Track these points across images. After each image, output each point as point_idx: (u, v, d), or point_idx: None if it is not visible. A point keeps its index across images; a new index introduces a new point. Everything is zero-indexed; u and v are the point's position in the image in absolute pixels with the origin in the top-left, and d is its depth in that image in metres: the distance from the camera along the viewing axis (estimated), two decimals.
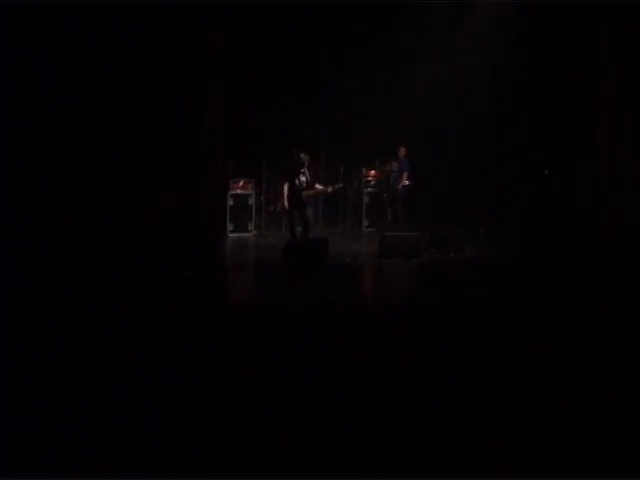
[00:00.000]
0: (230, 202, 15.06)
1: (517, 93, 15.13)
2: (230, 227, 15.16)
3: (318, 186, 13.94)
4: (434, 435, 5.03)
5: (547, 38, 14.36)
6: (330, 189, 14.27)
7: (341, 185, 14.97)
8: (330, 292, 10.34)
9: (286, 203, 13.02)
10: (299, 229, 13.46)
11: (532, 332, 7.76)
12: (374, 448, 4.81)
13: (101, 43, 10.38)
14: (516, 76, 15.08)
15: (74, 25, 10.15)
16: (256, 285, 11.56)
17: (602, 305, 9.16)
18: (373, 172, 16.64)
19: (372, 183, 16.64)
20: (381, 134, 15.85)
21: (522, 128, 15.04)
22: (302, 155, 13.42)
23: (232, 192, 15.14)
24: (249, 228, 15.48)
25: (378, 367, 6.49)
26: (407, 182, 15.81)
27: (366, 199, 16.54)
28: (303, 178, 13.20)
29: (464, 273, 12.05)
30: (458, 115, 15.78)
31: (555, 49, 14.15)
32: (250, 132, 15.53)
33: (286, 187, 13.01)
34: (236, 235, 15.17)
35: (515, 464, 4.61)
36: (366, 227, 16.50)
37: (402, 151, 15.77)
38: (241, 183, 15.36)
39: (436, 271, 12.25)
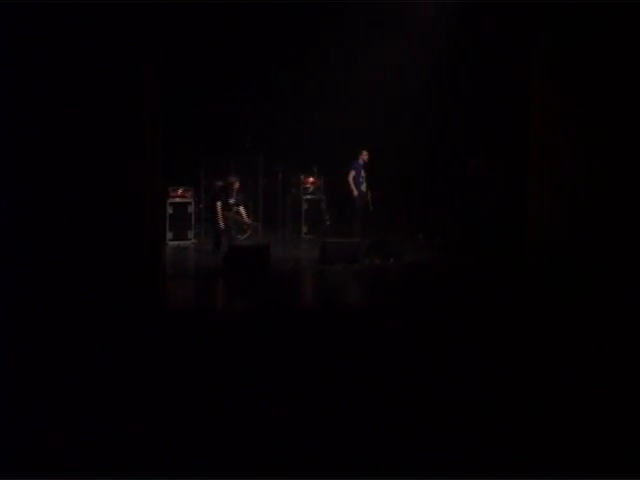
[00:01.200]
0: (169, 210, 15.03)
1: (454, 97, 15.35)
2: (169, 235, 15.10)
3: (242, 211, 14.53)
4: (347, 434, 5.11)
5: (484, 40, 14.60)
6: (250, 222, 14.98)
7: (258, 224, 15.79)
8: (273, 297, 10.39)
9: (221, 223, 13.52)
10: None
11: (467, 334, 7.94)
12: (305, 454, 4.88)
13: (31, 46, 10.23)
14: (453, 81, 15.29)
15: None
16: (198, 292, 11.53)
17: (535, 305, 9.42)
18: (311, 179, 16.73)
19: (310, 190, 16.74)
20: (320, 141, 15.92)
21: (459, 133, 15.28)
22: (232, 178, 14.17)
23: (171, 200, 15.10)
24: (189, 236, 15.43)
25: (318, 370, 6.56)
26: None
27: (305, 206, 16.63)
28: (231, 200, 14.00)
29: (403, 278, 12.23)
30: (394, 121, 15.97)
31: (492, 52, 14.40)
32: (189, 140, 15.45)
33: (219, 206, 13.48)
34: (175, 243, 15.11)
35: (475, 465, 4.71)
36: (305, 233, 16.59)
37: (364, 155, 15.38)
38: (180, 191, 15.30)
39: (376, 276, 12.40)
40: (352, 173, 14.85)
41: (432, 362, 6.86)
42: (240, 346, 7.38)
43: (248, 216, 14.81)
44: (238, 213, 14.44)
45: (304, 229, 16.63)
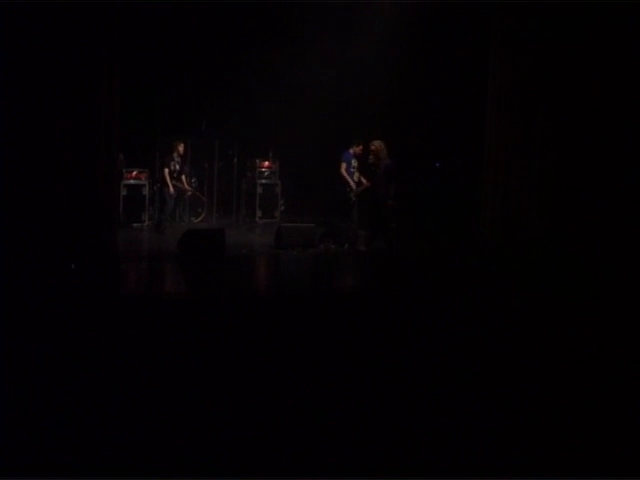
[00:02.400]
0: (123, 192, 14.93)
1: (412, 90, 15.51)
2: (123, 217, 15.00)
3: (184, 179, 14.73)
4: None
5: (441, 35, 14.78)
6: (189, 192, 15.10)
7: (203, 199, 15.88)
8: (227, 282, 10.41)
9: (171, 188, 13.59)
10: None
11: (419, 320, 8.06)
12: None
13: None
14: (411, 72, 15.45)
15: None
16: (153, 276, 11.49)
17: (487, 294, 9.59)
18: (267, 163, 16.75)
19: (266, 174, 16.76)
20: (275, 125, 15.94)
21: (417, 123, 15.44)
22: (175, 141, 14.28)
23: (125, 182, 15.00)
24: (143, 218, 15.35)
25: (269, 356, 6.60)
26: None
27: (260, 190, 16.65)
28: (176, 166, 13.85)
29: (356, 263, 12.36)
30: (355, 108, 16.07)
31: (449, 49, 14.58)
32: (144, 122, 15.34)
33: (166, 172, 13.60)
34: (130, 225, 15.02)
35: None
36: (260, 218, 16.62)
37: (358, 148, 14.54)
38: (134, 173, 15.21)
39: (330, 261, 12.50)
40: (343, 165, 14.31)
41: (384, 350, 6.96)
42: (192, 331, 7.39)
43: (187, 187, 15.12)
44: (181, 180, 14.55)
45: (259, 213, 16.65)
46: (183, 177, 14.85)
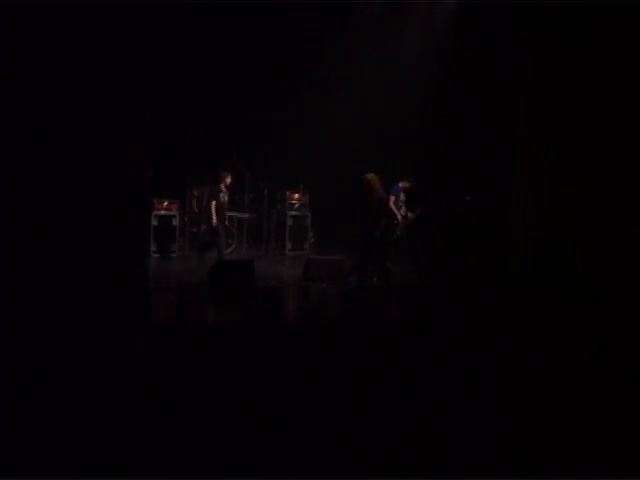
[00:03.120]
0: (154, 222, 15.04)
1: (439, 121, 15.57)
2: (153, 247, 15.10)
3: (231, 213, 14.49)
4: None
5: (467, 65, 14.84)
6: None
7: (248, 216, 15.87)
8: (256, 314, 10.41)
9: (214, 219, 13.54)
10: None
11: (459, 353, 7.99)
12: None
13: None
14: (439, 97, 15.52)
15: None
16: (182, 306, 11.52)
17: (519, 326, 9.50)
18: (297, 195, 16.80)
19: (296, 206, 16.80)
20: (306, 157, 16.00)
21: (446, 158, 15.47)
22: (224, 173, 13.99)
23: (156, 213, 15.11)
24: (172, 249, 15.44)
25: (304, 386, 6.59)
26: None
27: (290, 222, 16.68)
28: (225, 198, 13.77)
29: (386, 297, 12.29)
30: (386, 140, 16.13)
31: (474, 76, 14.62)
32: (175, 154, 15.49)
33: (213, 204, 13.53)
34: (159, 256, 15.11)
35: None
36: (289, 250, 16.63)
37: (405, 183, 14.93)
38: (165, 204, 15.32)
39: (359, 295, 12.44)
40: (392, 198, 14.45)
41: (419, 382, 6.90)
42: (223, 361, 7.39)
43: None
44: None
45: (288, 245, 16.67)
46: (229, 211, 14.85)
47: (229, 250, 15.71)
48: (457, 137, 15.53)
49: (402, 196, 14.66)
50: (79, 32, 10.63)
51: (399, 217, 14.44)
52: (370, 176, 12.39)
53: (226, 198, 14.22)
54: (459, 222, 15.18)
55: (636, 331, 8.68)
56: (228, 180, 14.21)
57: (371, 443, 5.13)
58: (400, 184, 14.63)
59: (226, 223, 14.46)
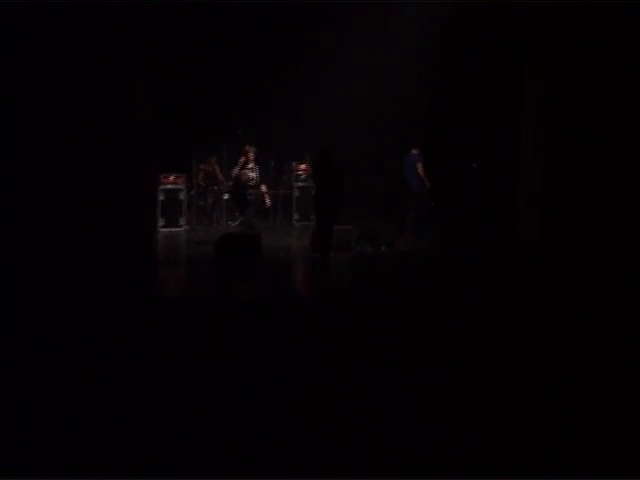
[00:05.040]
0: (161, 197, 15.03)
1: (448, 91, 15.47)
2: (161, 222, 15.11)
3: (264, 189, 13.91)
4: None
5: (475, 38, 14.71)
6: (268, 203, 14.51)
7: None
8: (264, 286, 10.42)
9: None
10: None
11: (459, 322, 7.99)
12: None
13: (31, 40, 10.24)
14: (446, 75, 15.41)
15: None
16: (190, 279, 11.54)
17: (524, 297, 9.48)
18: (303, 166, 16.73)
19: (302, 177, 16.74)
20: (312, 128, 15.91)
21: (451, 126, 15.37)
22: (247, 147, 13.29)
23: (163, 187, 15.09)
24: (180, 223, 15.44)
25: (312, 359, 6.60)
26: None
27: (296, 193, 16.63)
28: (252, 174, 13.25)
29: (395, 266, 12.28)
30: (388, 111, 16.03)
31: (484, 50, 14.50)
32: (181, 128, 15.42)
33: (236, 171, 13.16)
34: (167, 230, 15.11)
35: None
36: (297, 221, 16.60)
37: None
38: (172, 178, 15.28)
39: (369, 264, 12.43)
40: (420, 166, 14.44)
41: (428, 352, 6.91)
42: (231, 334, 7.41)
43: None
44: (260, 189, 13.98)
45: (296, 216, 16.63)
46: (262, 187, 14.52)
47: (236, 223, 15.68)
48: (463, 104, 15.39)
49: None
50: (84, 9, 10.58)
51: (427, 184, 14.39)
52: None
53: (252, 175, 13.84)
54: (467, 190, 15.09)
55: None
56: (251, 155, 13.77)
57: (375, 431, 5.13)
58: (414, 151, 14.52)
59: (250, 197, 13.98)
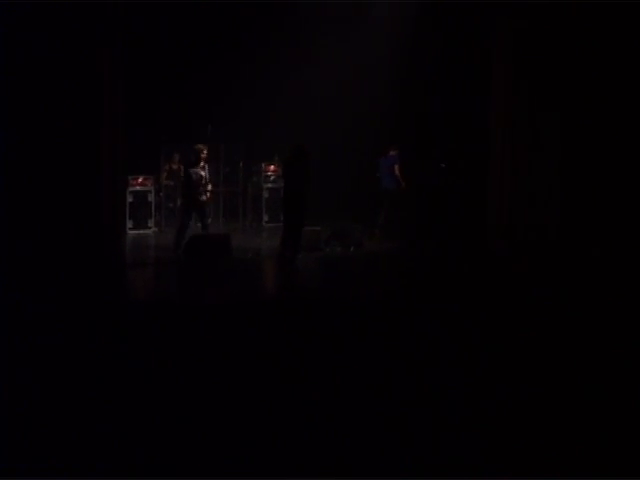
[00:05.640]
0: (129, 199, 14.95)
1: (416, 89, 15.57)
2: (129, 224, 15.03)
3: (209, 188, 13.25)
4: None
5: (442, 36, 14.82)
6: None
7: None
8: (233, 287, 10.39)
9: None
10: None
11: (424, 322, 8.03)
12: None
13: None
14: (415, 75, 15.52)
15: None
16: (159, 281, 11.49)
17: (490, 294, 9.56)
18: (273, 167, 16.72)
19: (272, 178, 16.72)
20: (281, 128, 15.91)
21: (421, 125, 15.47)
22: (199, 146, 12.77)
23: (131, 189, 15.01)
24: (149, 225, 15.36)
25: (281, 360, 6.59)
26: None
27: (266, 194, 16.61)
28: (202, 173, 12.82)
29: (364, 266, 12.32)
30: (357, 112, 16.09)
31: (450, 46, 14.60)
32: (149, 128, 15.34)
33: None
34: (135, 232, 15.04)
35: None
36: (266, 222, 16.58)
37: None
38: (140, 179, 15.22)
39: (337, 264, 12.45)
40: (397, 167, 14.61)
41: (394, 352, 6.93)
42: (199, 336, 7.38)
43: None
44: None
45: (265, 217, 16.62)
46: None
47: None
48: (432, 104, 15.49)
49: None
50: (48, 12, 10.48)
51: (403, 185, 14.53)
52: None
53: (202, 173, 13.35)
54: (437, 190, 15.18)
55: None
56: (204, 154, 13.31)
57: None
58: (392, 152, 14.66)
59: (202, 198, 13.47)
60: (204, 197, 12.86)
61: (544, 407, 5.49)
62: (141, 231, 15.15)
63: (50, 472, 4.33)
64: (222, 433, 4.97)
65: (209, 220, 15.43)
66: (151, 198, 15.32)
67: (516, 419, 5.27)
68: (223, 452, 4.70)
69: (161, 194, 15.66)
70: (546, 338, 7.29)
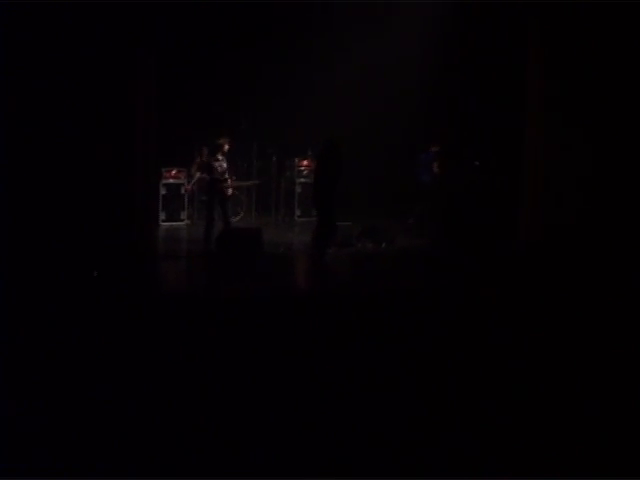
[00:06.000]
0: (163, 191, 15.06)
1: (448, 89, 15.49)
2: (162, 216, 15.14)
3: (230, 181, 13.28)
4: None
5: (476, 36, 14.73)
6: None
7: (256, 182, 14.72)
8: (263, 281, 10.42)
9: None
10: None
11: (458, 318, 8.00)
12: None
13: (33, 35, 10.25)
14: (447, 72, 15.44)
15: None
16: (191, 274, 11.56)
17: (522, 291, 9.50)
18: (305, 162, 16.72)
19: (305, 173, 16.73)
20: (314, 123, 15.90)
21: (453, 123, 15.38)
22: (221, 140, 12.82)
23: (165, 181, 15.12)
24: (182, 217, 15.47)
25: (314, 356, 6.60)
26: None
27: (299, 189, 16.62)
28: (225, 165, 12.84)
29: (396, 262, 12.29)
30: (389, 109, 16.04)
31: (485, 47, 14.51)
32: (183, 122, 15.41)
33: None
34: (168, 224, 15.15)
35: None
36: (299, 217, 16.59)
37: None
38: (174, 172, 15.32)
39: (368, 261, 12.44)
40: (436, 165, 14.79)
41: (427, 349, 6.91)
42: (232, 330, 7.42)
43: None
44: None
45: (297, 212, 16.63)
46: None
47: (237, 218, 15.68)
48: (464, 103, 15.40)
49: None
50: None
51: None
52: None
53: (224, 165, 13.10)
54: (470, 188, 15.09)
55: None
56: (226, 147, 13.03)
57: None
58: (433, 149, 14.70)
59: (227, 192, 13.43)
60: (229, 190, 12.94)
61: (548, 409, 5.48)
62: (174, 223, 15.25)
63: (50, 472, 4.36)
64: (247, 427, 5.00)
65: (239, 216, 15.55)
66: (184, 190, 15.41)
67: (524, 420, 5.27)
68: (249, 447, 4.72)
69: (194, 186, 15.72)
70: (572, 341, 7.24)
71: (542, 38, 12.52)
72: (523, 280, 10.53)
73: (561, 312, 8.40)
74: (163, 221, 15.14)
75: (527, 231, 12.79)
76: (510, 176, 13.52)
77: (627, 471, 4.48)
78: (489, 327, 7.73)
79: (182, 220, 15.45)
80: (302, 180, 16.63)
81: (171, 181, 15.28)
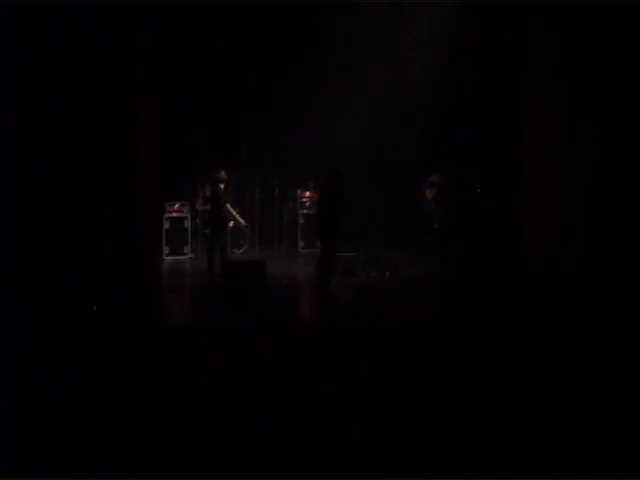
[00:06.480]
0: (166, 225, 15.11)
1: (449, 113, 15.57)
2: (166, 250, 15.17)
3: (229, 209, 13.32)
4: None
5: (475, 62, 14.84)
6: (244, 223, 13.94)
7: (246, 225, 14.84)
8: (266, 312, 10.41)
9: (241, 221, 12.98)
10: None
11: (464, 347, 7.97)
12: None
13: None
14: (447, 98, 15.53)
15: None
16: (196, 306, 11.55)
17: (529, 319, 9.46)
18: (308, 193, 16.79)
19: (307, 204, 16.78)
20: (316, 155, 15.97)
21: (453, 148, 15.44)
22: (222, 173, 12.74)
23: (168, 215, 15.18)
24: (185, 251, 15.49)
25: (319, 385, 6.58)
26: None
27: (301, 220, 16.67)
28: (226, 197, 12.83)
29: (401, 291, 12.26)
30: (391, 138, 16.13)
31: (485, 55, 14.62)
32: (185, 155, 15.50)
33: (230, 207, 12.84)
34: (172, 258, 15.16)
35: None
36: (302, 248, 16.62)
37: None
38: (177, 206, 15.39)
39: (373, 290, 12.42)
40: (427, 192, 14.80)
41: (434, 377, 6.89)
42: (236, 361, 7.40)
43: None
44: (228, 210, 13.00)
45: (301, 244, 16.66)
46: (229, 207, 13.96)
47: (241, 250, 15.70)
48: (465, 134, 15.47)
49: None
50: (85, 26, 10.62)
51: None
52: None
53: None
54: (472, 214, 15.10)
55: None
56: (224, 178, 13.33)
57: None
58: (431, 178, 14.69)
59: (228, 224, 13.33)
60: (230, 223, 12.98)
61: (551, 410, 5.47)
62: (177, 257, 15.27)
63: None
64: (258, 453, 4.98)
65: (242, 248, 15.55)
66: (187, 224, 15.46)
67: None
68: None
69: (197, 220, 15.78)
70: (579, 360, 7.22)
71: (540, 59, 12.56)
72: (527, 306, 10.49)
73: (570, 332, 8.38)
74: (167, 255, 15.16)
75: (529, 255, 12.76)
76: (512, 199, 13.53)
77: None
78: (495, 354, 7.69)
79: (186, 254, 15.48)
80: (305, 211, 16.68)
81: (174, 215, 15.34)
